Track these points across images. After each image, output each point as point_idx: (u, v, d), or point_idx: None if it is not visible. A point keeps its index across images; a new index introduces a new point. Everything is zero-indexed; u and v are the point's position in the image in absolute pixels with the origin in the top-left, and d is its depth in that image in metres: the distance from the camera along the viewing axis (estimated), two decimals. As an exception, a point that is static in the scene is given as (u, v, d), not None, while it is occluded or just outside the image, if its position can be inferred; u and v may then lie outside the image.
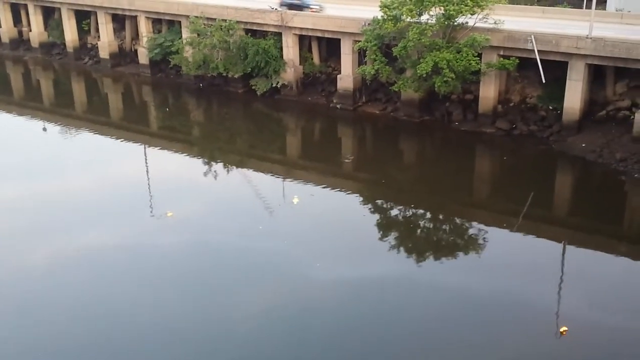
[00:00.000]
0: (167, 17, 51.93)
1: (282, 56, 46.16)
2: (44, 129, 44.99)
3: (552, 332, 22.23)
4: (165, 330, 22.61)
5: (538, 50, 36.85)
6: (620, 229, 30.27)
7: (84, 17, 58.76)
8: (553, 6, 44.43)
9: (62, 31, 59.18)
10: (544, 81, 37.86)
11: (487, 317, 23.20)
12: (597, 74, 37.81)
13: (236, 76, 47.25)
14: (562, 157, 36.28)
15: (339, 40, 43.90)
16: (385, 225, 30.50)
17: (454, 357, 21.35)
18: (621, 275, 26.17)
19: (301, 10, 45.63)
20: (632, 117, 36.18)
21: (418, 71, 37.67)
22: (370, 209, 32.50)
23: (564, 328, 22.06)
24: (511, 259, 27.08)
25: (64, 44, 59.61)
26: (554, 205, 32.70)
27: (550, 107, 39.12)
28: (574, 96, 36.83)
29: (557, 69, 37.50)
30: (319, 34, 45.28)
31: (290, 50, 45.94)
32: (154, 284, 25.39)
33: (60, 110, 49.71)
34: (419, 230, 30.73)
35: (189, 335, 22.31)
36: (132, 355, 21.49)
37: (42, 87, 56.40)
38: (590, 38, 35.35)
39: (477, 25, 38.14)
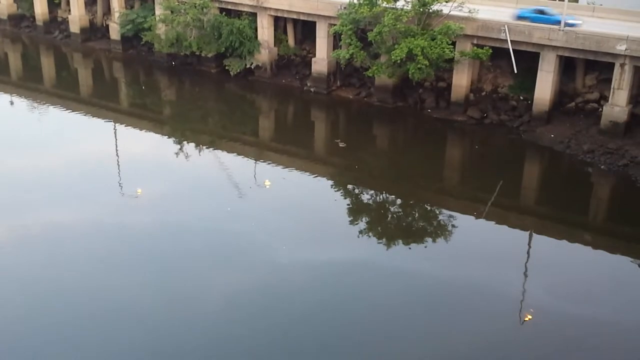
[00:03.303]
0: (140, -7, 51.17)
1: (256, 37, 45.82)
2: (11, 103, 44.19)
3: (516, 319, 22.73)
4: (128, 311, 22.55)
5: (511, 41, 37.18)
6: (586, 219, 30.92)
7: (54, -11, 57.56)
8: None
9: (31, 3, 57.80)
10: (515, 71, 38.25)
11: (452, 304, 23.57)
12: (568, 65, 38.32)
13: (209, 55, 46.80)
14: (531, 147, 36.80)
15: (315, 23, 43.72)
16: (356, 211, 30.69)
17: (418, 343, 21.71)
18: (585, 264, 26.83)
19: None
20: (600, 109, 36.84)
21: (392, 57, 37.74)
22: (341, 193, 32.66)
23: (528, 316, 22.58)
24: (478, 247, 27.50)
25: (34, 17, 58.26)
26: (521, 195, 33.22)
27: (521, 97, 39.60)
28: (545, 87, 37.32)
29: (528, 59, 37.90)
30: (295, 16, 45.02)
31: (265, 31, 45.62)
32: (118, 263, 25.25)
33: (29, 84, 48.74)
34: (388, 216, 30.99)
35: (153, 316, 22.33)
36: (94, 336, 21.38)
37: (10, 60, 55.11)
38: (562, 30, 35.78)
39: (452, 13, 38.30)
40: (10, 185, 31.06)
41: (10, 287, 23.73)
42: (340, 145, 36.91)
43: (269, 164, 35.23)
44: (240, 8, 46.30)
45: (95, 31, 55.91)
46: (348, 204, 31.42)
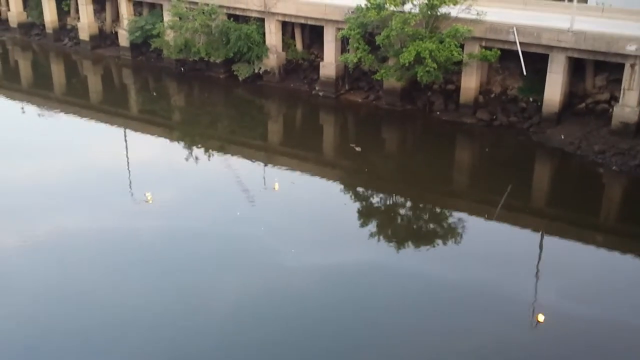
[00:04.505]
0: (149, 0, 51.35)
1: (264, 42, 45.94)
2: (22, 110, 44.46)
3: (529, 321, 22.58)
4: (138, 317, 22.55)
5: (520, 42, 37.08)
6: (598, 221, 30.71)
7: (64, -3, 57.99)
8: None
9: (41, 11, 58.25)
10: (524, 73, 38.13)
11: (463, 305, 23.43)
12: (577, 66, 38.15)
13: (218, 61, 46.94)
14: (541, 149, 36.64)
15: (322, 27, 43.78)
16: (365, 214, 30.63)
17: (430, 345, 21.59)
18: (598, 266, 26.61)
19: None
20: (610, 110, 36.64)
21: (400, 60, 37.71)
22: (351, 197, 32.62)
23: (541, 318, 22.42)
24: (489, 249, 27.38)
25: (43, 25, 58.71)
26: (532, 196, 33.06)
27: (531, 99, 39.44)
28: (554, 88, 37.16)
29: (538, 61, 37.78)
30: (302, 21, 45.11)
31: (272, 36, 45.73)
32: (128, 268, 25.28)
33: (39, 91, 49.12)
34: (398, 219, 30.91)
35: (162, 321, 22.30)
36: (103, 342, 21.38)
37: (20, 68, 55.62)
38: (571, 31, 35.65)
39: (459, 15, 38.26)
40: (20, 192, 31.19)
41: (20, 293, 23.79)
42: (357, 150, 36.72)
43: (278, 168, 35.25)
44: (248, 14, 46.45)
45: (104, 38, 56.26)
46: (358, 208, 31.37)
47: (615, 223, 30.88)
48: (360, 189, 33.07)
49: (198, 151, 37.77)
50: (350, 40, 40.99)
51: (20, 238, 27.27)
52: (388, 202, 32.23)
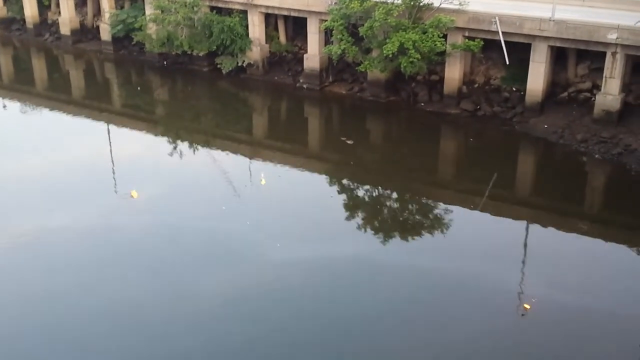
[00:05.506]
0: (130, -7, 51.02)
1: (248, 34, 45.77)
2: (4, 106, 44.05)
3: (515, 311, 22.81)
4: (123, 314, 22.48)
5: (502, 32, 37.20)
6: (581, 209, 31.02)
7: (44, -9, 57.38)
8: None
9: (21, 6, 57.66)
10: (507, 63, 38.29)
11: (449, 296, 23.63)
12: (560, 56, 38.38)
13: (201, 54, 46.72)
14: (524, 138, 36.87)
15: (305, 19, 43.67)
16: (352, 206, 30.71)
17: (416, 336, 21.75)
18: (582, 253, 26.86)
19: None
20: (592, 98, 36.91)
21: (384, 51, 37.72)
22: (337, 189, 32.68)
23: (527, 307, 22.66)
24: (474, 239, 27.56)
25: (24, 20, 58.13)
26: (516, 186, 33.33)
27: (514, 89, 39.63)
28: (537, 78, 37.37)
29: (520, 50, 37.93)
30: (285, 13, 44.97)
31: (256, 28, 45.56)
32: (113, 265, 25.16)
33: (20, 87, 48.67)
34: (385, 212, 31.04)
35: (148, 318, 22.30)
36: (89, 340, 21.32)
37: (1, 63, 54.99)
38: (553, 20, 35.82)
39: (442, 6, 38.30)
40: (1, 189, 30.92)
41: (4, 292, 23.70)
42: (348, 143, 36.64)
43: (263, 162, 35.23)
44: (230, 6, 46.23)
45: (86, 32, 55.77)
46: (344, 200, 31.43)
47: (599, 211, 31.21)
48: (346, 182, 33.13)
49: (183, 145, 37.65)
50: (333, 31, 40.94)
51: (2, 235, 27.04)
52: (374, 194, 32.34)
